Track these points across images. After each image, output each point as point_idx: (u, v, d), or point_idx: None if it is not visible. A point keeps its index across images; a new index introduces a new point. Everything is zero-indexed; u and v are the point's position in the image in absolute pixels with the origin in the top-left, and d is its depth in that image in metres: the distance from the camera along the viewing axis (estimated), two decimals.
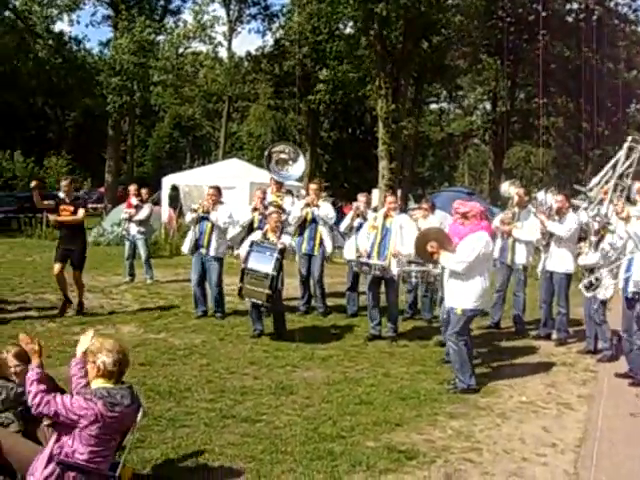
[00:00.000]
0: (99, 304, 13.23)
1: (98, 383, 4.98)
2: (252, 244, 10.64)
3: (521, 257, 11.74)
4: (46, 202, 12.72)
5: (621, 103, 42.99)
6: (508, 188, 12.30)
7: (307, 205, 12.57)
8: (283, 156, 13.29)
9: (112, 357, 4.95)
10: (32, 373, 5.01)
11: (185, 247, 12.59)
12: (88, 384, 5.07)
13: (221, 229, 12.22)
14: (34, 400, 4.85)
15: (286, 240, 11.12)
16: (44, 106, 63.55)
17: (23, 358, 5.65)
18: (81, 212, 12.28)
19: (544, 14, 39.79)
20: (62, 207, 12.28)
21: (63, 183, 12.60)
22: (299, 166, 13.28)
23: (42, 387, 4.89)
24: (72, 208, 12.23)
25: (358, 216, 12.52)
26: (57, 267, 12.21)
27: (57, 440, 4.94)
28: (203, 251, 12.20)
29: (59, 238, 12.83)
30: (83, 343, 5.31)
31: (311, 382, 8.60)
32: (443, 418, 7.54)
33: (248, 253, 10.44)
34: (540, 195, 11.55)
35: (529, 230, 11.57)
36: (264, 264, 10.30)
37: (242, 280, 10.38)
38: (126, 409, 4.93)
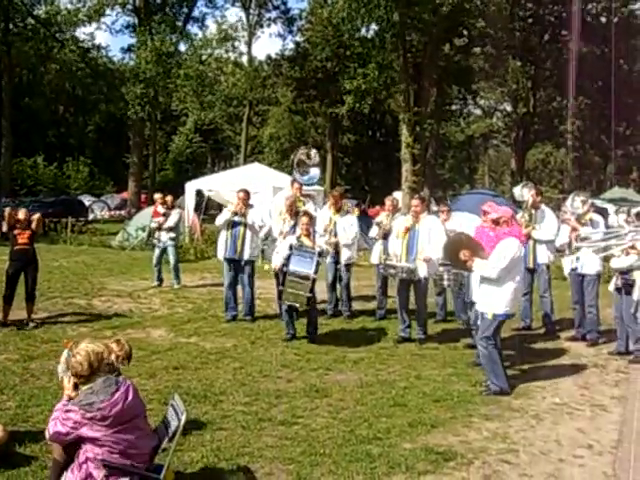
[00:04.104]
0: (128, 308, 13.34)
1: (82, 388, 5.06)
2: (291, 247, 10.66)
3: (543, 257, 11.83)
4: None
5: None
6: (521, 191, 12.39)
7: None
8: (303, 157, 13.30)
9: (77, 358, 5.01)
10: (60, 405, 5.10)
11: (220, 252, 12.51)
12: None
13: (254, 232, 12.31)
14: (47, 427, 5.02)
15: (322, 244, 11.22)
16: (65, 112, 64.22)
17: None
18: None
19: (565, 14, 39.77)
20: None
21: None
22: (315, 171, 13.36)
23: (54, 415, 5.00)
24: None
25: (385, 237, 12.39)
26: None
27: (79, 451, 5.00)
28: (237, 255, 12.26)
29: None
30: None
31: (344, 385, 8.63)
32: (478, 420, 7.55)
33: (289, 256, 10.47)
34: (569, 202, 11.53)
35: (547, 230, 11.74)
36: (305, 267, 10.35)
37: (283, 284, 10.44)
38: (110, 399, 4.88)
